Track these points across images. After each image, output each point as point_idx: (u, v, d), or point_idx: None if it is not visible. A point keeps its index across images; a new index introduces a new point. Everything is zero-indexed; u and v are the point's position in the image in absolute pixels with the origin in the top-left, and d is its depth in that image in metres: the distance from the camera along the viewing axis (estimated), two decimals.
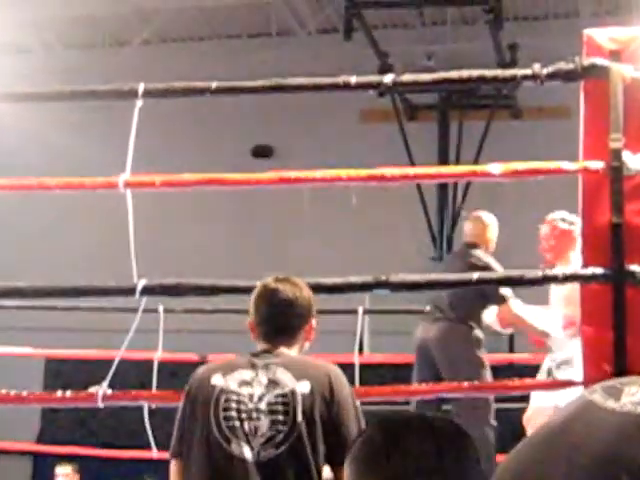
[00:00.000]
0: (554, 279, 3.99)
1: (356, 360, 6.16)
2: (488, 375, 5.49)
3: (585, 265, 3.64)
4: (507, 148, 9.52)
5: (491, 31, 10.09)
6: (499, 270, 5.46)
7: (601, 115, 3.59)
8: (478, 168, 4.56)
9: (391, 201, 10.21)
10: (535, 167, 3.84)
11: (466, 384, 4.34)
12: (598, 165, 3.59)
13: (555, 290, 5.30)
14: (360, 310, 6.87)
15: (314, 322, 3.23)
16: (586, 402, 0.79)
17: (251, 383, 3.06)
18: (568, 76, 3.72)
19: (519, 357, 7.52)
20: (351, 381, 3.27)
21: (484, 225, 5.89)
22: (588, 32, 3.75)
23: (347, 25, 10.01)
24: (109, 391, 3.82)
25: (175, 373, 6.69)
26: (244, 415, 3.02)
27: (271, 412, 3.02)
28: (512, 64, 9.99)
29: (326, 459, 3.01)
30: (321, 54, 11.26)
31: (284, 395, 3.03)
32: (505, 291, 5.45)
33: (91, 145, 11.33)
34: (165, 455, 3.41)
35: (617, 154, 3.55)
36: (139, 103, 3.93)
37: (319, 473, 3.01)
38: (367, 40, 10.51)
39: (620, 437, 0.74)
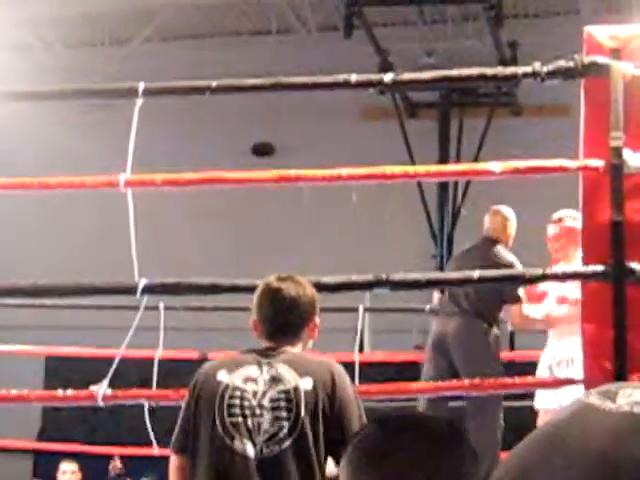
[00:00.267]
0: (555, 277, 4.00)
1: (356, 358, 6.15)
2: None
3: (585, 263, 3.64)
4: (507, 146, 9.50)
5: (491, 29, 10.09)
6: (521, 269, 5.21)
7: (601, 113, 3.59)
8: (478, 166, 4.57)
9: (391, 199, 10.19)
10: (535, 165, 3.84)
11: (467, 382, 4.34)
12: (598, 163, 3.60)
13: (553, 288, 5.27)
14: (361, 308, 6.87)
15: (318, 320, 3.23)
16: (583, 405, 0.79)
17: (256, 380, 3.07)
18: (568, 74, 3.72)
19: (520, 355, 7.51)
20: (351, 379, 3.26)
21: (505, 219, 5.74)
22: (588, 30, 3.75)
23: (347, 23, 10.01)
24: (109, 390, 3.82)
25: (176, 371, 6.68)
26: (247, 412, 3.03)
27: (274, 409, 3.02)
28: (512, 62, 9.99)
29: (329, 455, 3.02)
30: (321, 52, 11.25)
31: (287, 392, 3.03)
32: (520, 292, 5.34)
33: (91, 144, 11.33)
34: (166, 452, 3.41)
35: (617, 152, 3.55)
36: (139, 102, 3.92)
37: (322, 469, 3.01)
38: (367, 38, 10.50)
39: (618, 437, 0.74)
